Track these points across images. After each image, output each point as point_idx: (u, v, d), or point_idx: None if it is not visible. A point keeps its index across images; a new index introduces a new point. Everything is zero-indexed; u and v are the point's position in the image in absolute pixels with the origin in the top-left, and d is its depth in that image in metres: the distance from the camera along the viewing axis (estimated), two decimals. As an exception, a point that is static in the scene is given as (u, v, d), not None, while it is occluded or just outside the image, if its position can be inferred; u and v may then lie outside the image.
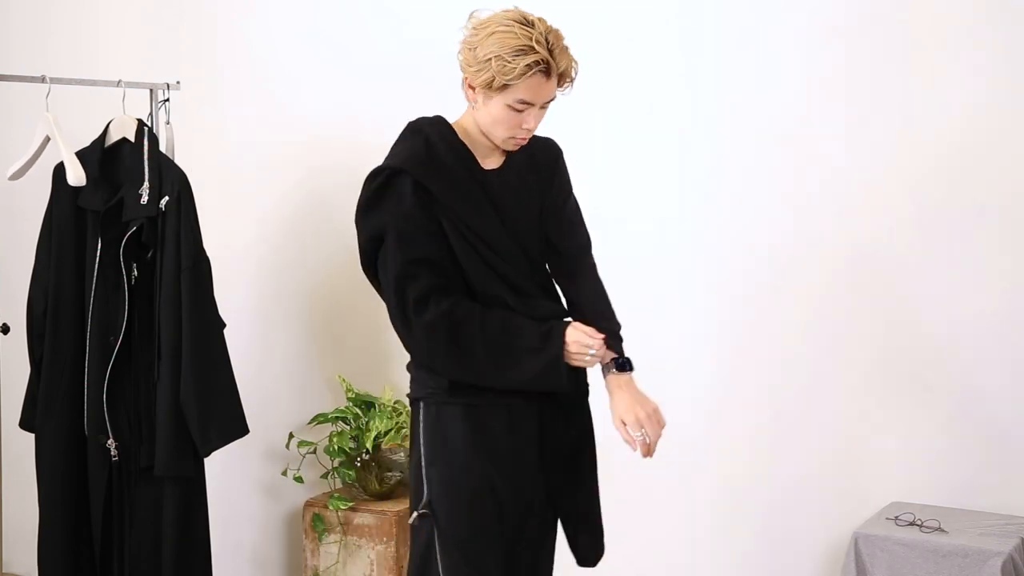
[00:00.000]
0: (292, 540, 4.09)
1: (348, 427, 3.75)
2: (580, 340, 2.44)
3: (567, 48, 2.44)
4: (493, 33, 2.40)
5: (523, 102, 2.43)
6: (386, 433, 3.67)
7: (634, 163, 3.50)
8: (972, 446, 3.11)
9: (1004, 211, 3.05)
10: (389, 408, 3.75)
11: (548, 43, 2.40)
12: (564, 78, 2.46)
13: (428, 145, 2.53)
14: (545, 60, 2.38)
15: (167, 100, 3.49)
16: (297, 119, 4.04)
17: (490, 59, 2.39)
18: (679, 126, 3.42)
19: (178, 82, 3.54)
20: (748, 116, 3.32)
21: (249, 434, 3.39)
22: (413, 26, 3.84)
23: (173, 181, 3.26)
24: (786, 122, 3.29)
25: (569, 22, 2.59)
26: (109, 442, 3.29)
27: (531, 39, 2.38)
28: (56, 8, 4.47)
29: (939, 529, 2.89)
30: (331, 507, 3.67)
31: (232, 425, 3.32)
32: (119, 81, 3.41)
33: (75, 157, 3.26)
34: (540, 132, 2.59)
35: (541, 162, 2.63)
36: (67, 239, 3.32)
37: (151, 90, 3.51)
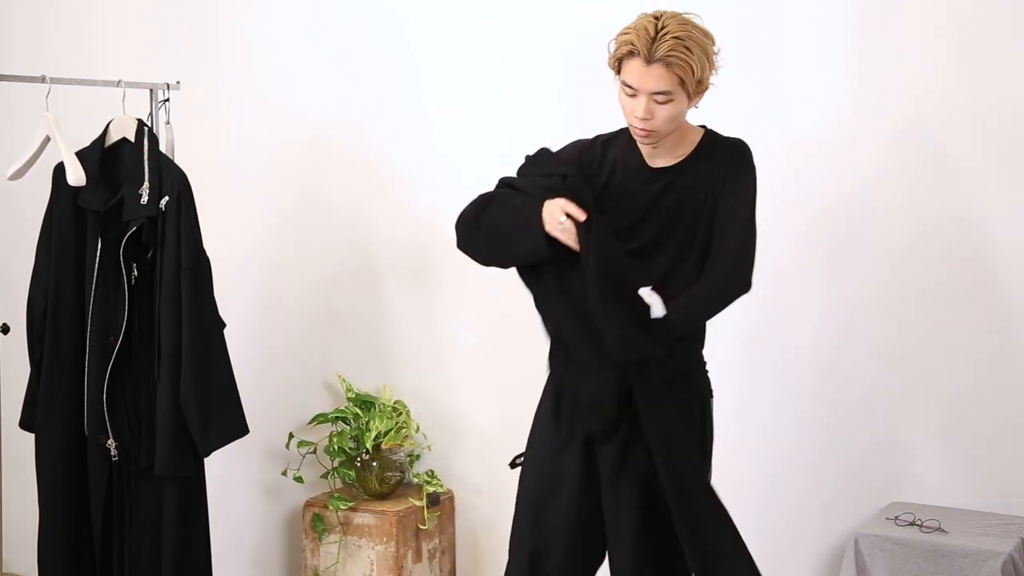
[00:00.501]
0: (292, 540, 4.09)
1: (348, 427, 3.75)
2: (552, 210, 2.49)
3: (681, 41, 2.43)
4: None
5: (628, 86, 2.50)
6: (386, 433, 3.67)
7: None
8: (972, 446, 3.11)
9: None
10: (389, 408, 3.75)
11: (654, 30, 2.45)
12: (666, 66, 2.44)
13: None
14: (632, 43, 2.45)
15: (167, 100, 3.49)
16: (297, 119, 4.04)
17: (610, 41, 2.54)
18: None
19: (178, 82, 3.54)
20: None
21: (249, 434, 3.39)
22: (413, 26, 3.84)
23: (173, 181, 3.26)
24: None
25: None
26: (109, 442, 3.29)
27: (637, 24, 2.48)
28: (56, 8, 4.47)
29: (939, 529, 2.89)
30: (331, 507, 3.67)
31: (232, 425, 3.32)
32: (119, 81, 3.41)
33: (75, 157, 3.26)
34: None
35: (718, 162, 2.60)
36: (67, 239, 3.32)
37: (151, 90, 3.51)
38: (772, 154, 2.92)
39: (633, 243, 2.60)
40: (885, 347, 3.20)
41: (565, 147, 2.72)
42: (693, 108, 2.56)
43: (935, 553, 2.81)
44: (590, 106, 3.15)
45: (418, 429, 3.82)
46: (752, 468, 3.36)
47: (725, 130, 2.64)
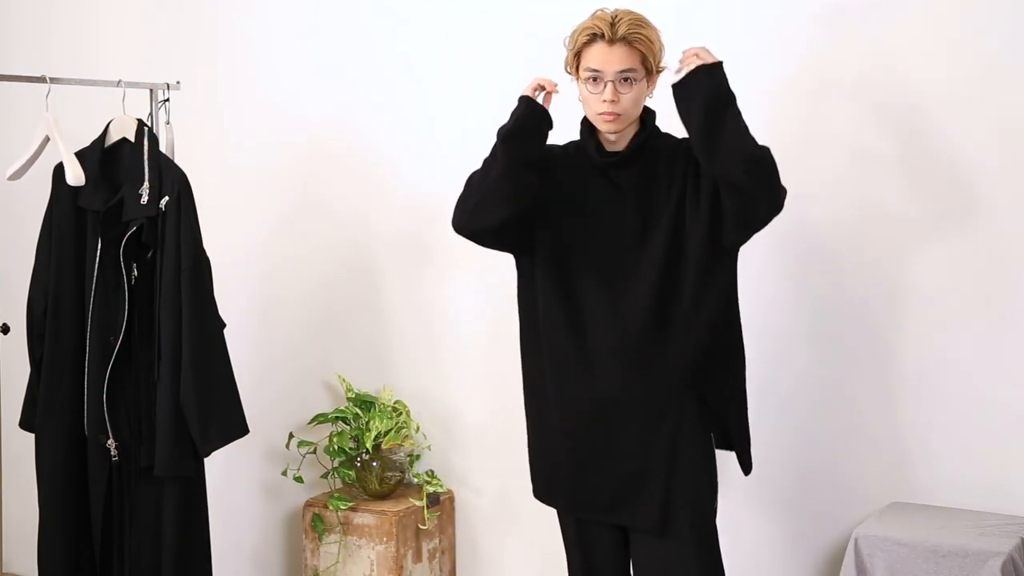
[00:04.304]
0: (292, 540, 4.09)
1: (348, 427, 3.75)
2: (530, 83, 2.75)
3: (638, 21, 2.64)
4: None
5: (592, 70, 2.65)
6: (386, 433, 3.68)
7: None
8: (972, 446, 3.11)
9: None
10: (389, 408, 3.75)
11: (610, 16, 2.64)
12: (628, 43, 2.61)
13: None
14: (593, 28, 2.63)
15: (167, 100, 3.49)
16: (297, 119, 4.04)
17: (567, 39, 2.71)
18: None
19: (178, 82, 3.54)
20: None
21: (249, 434, 3.39)
22: (412, 26, 3.84)
23: (173, 181, 3.26)
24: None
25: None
26: (109, 442, 3.29)
27: (592, 17, 2.67)
28: (56, 8, 4.47)
29: (939, 529, 2.89)
30: (331, 507, 3.67)
31: (232, 425, 3.32)
32: (119, 81, 3.41)
33: (74, 157, 3.26)
34: None
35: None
36: (67, 239, 3.32)
37: (151, 90, 3.51)
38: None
39: (623, 234, 2.71)
40: (884, 347, 3.20)
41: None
42: (648, 97, 2.71)
43: (935, 553, 2.81)
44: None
45: (418, 429, 3.83)
46: (752, 468, 3.36)
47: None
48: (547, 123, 2.76)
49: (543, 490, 2.90)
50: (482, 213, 2.74)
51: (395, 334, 3.93)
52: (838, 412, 3.26)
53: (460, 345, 3.82)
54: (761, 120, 2.79)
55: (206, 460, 3.34)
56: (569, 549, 2.93)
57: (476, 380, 3.79)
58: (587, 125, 2.77)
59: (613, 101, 2.63)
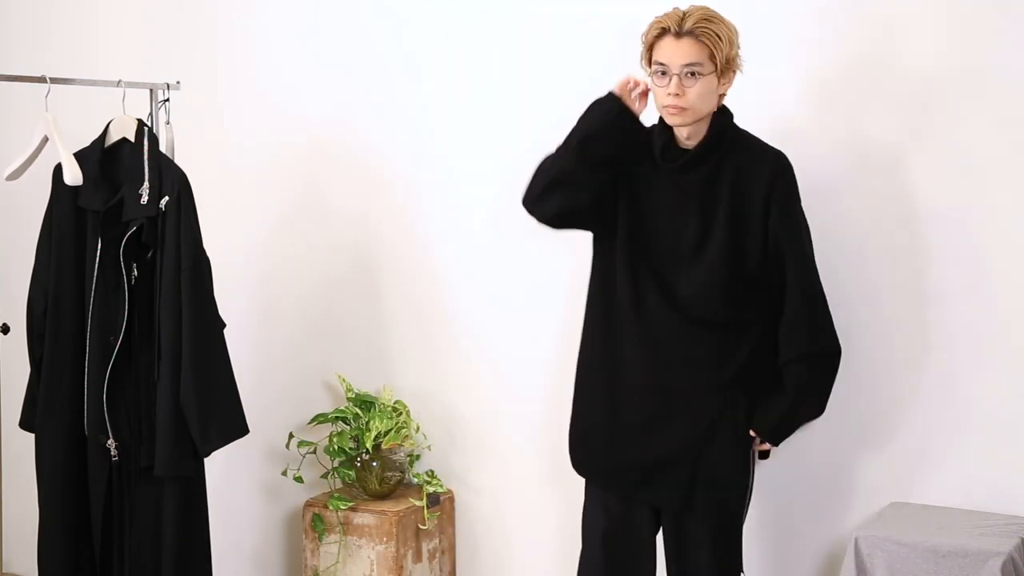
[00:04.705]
0: (292, 540, 4.09)
1: (348, 427, 3.75)
2: (620, 81, 2.76)
3: (708, 17, 2.68)
4: None
5: (660, 64, 2.70)
6: (386, 433, 3.67)
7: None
8: (972, 446, 3.11)
9: None
10: (389, 408, 3.75)
11: (682, 12, 2.69)
12: (695, 37, 2.65)
13: None
14: (662, 22, 2.69)
15: (167, 100, 3.49)
16: (297, 119, 4.04)
17: (641, 35, 2.76)
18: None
19: (178, 82, 3.54)
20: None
21: (249, 434, 3.39)
22: (413, 26, 3.84)
23: (173, 181, 3.26)
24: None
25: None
26: (109, 442, 3.29)
27: (665, 13, 2.72)
28: (56, 8, 4.47)
29: (939, 529, 2.89)
30: (331, 507, 3.67)
31: (232, 425, 3.32)
32: (119, 81, 3.41)
33: (72, 156, 3.26)
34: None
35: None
36: (67, 239, 3.32)
37: (151, 90, 3.51)
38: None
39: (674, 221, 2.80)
40: (884, 347, 3.20)
41: None
42: (723, 94, 2.75)
43: (935, 553, 2.81)
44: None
45: (418, 429, 3.82)
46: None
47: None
48: (634, 130, 2.79)
49: (579, 460, 2.98)
50: (545, 204, 2.83)
51: (395, 334, 3.93)
52: (838, 412, 3.26)
53: (460, 345, 3.82)
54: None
55: (206, 460, 3.34)
56: (588, 534, 2.98)
57: (476, 380, 3.79)
58: (662, 122, 2.80)
59: (677, 95, 2.67)
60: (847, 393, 3.23)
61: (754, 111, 2.98)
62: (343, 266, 4.01)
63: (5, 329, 3.66)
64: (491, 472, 3.79)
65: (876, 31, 3.17)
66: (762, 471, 3.28)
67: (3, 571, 4.23)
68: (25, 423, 3.41)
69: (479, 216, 3.74)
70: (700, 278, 2.77)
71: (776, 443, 2.91)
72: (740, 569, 2.91)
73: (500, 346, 3.75)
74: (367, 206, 3.94)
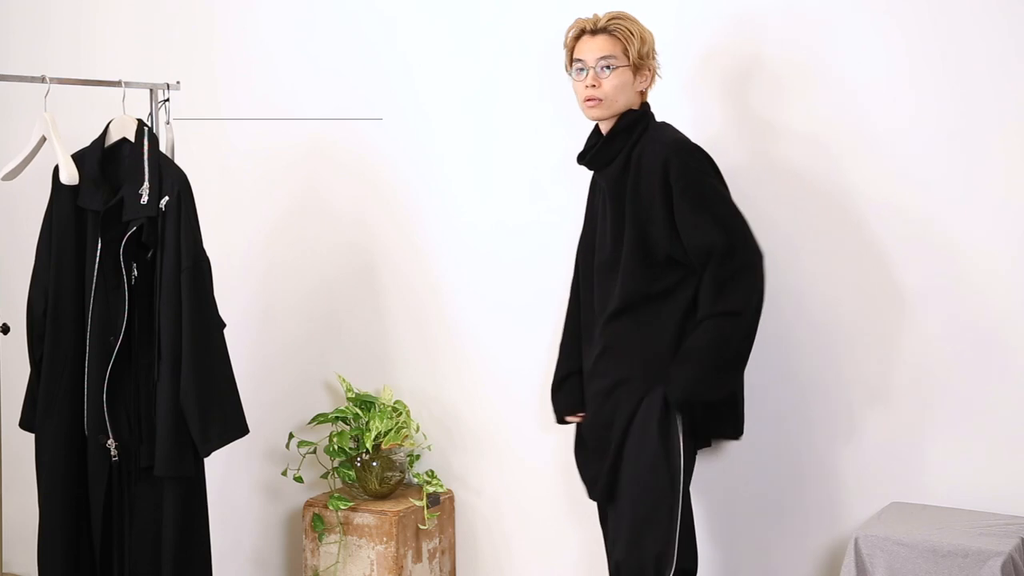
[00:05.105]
0: (292, 540, 4.09)
1: (348, 427, 3.75)
2: None
3: (620, 16, 2.84)
4: None
5: (578, 61, 2.86)
6: (386, 433, 3.68)
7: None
8: (972, 446, 3.11)
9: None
10: (389, 408, 3.75)
11: (596, 16, 2.87)
12: (609, 33, 2.82)
13: None
14: (579, 24, 2.86)
15: (167, 100, 3.49)
16: (296, 119, 4.04)
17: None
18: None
19: (178, 82, 3.55)
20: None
21: (249, 434, 3.39)
22: (411, 28, 3.84)
23: (173, 181, 3.26)
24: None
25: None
26: (109, 442, 3.29)
27: (582, 17, 2.89)
28: (56, 8, 4.47)
29: (939, 529, 2.89)
30: (331, 507, 3.67)
31: (232, 425, 3.32)
32: (119, 81, 3.41)
33: (68, 156, 3.26)
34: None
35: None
36: (67, 239, 3.32)
37: (151, 90, 3.51)
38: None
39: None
40: (884, 346, 3.20)
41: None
42: (643, 91, 2.90)
43: (935, 553, 2.81)
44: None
45: (418, 429, 3.83)
46: (752, 468, 3.36)
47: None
48: None
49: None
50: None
51: (395, 334, 3.93)
52: (838, 412, 3.26)
53: (460, 345, 3.82)
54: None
55: (206, 460, 3.34)
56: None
57: (476, 380, 3.80)
58: (595, 129, 2.95)
59: (594, 86, 2.83)
60: (847, 393, 3.24)
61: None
62: (343, 266, 4.01)
63: (5, 329, 3.66)
64: (491, 472, 3.79)
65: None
66: (762, 471, 3.29)
67: (3, 571, 4.23)
68: (25, 423, 3.41)
69: (479, 216, 3.75)
70: (623, 286, 2.87)
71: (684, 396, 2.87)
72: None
73: (500, 346, 3.75)
74: (367, 206, 3.95)
